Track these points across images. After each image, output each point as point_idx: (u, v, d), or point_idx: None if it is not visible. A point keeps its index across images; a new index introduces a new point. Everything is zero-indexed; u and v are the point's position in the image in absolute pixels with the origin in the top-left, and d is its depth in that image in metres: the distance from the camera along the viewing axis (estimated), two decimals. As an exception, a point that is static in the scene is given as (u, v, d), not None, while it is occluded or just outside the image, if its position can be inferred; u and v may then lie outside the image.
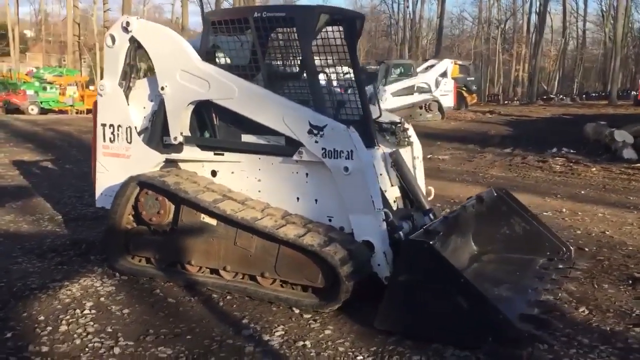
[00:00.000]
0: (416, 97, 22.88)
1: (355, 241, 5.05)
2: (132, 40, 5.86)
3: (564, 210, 8.63)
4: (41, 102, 31.50)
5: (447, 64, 24.66)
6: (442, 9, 53.24)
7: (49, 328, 4.49)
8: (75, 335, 4.39)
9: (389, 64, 23.80)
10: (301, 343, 4.35)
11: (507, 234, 6.24)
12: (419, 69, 25.22)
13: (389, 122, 6.25)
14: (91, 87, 36.80)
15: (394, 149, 5.97)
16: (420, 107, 23.06)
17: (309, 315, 4.83)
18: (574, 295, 5.31)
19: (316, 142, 5.09)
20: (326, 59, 6.16)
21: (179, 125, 5.69)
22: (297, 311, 4.91)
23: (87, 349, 4.20)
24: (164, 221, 5.56)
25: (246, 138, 5.61)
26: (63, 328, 4.50)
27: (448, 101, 24.16)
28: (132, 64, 6.00)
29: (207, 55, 5.79)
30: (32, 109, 30.88)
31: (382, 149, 5.97)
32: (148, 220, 5.59)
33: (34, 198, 8.99)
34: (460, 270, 5.68)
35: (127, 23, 5.82)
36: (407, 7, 60.48)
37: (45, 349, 4.18)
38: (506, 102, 43.43)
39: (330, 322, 4.73)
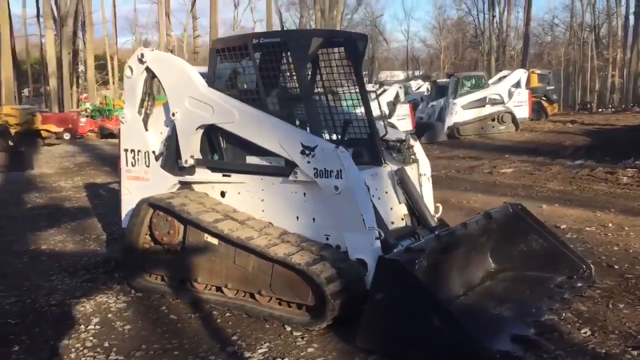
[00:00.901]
0: (488, 109, 22.26)
1: (347, 259, 5.10)
2: (147, 70, 6.21)
3: (610, 225, 8.18)
4: (133, 127, 33.19)
5: (520, 74, 23.84)
6: (528, 17, 51.52)
7: (52, 342, 4.83)
8: (72, 350, 4.70)
9: (459, 76, 23.25)
10: (280, 360, 4.45)
11: (524, 251, 6.05)
12: (491, 81, 24.59)
13: (395, 139, 6.25)
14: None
15: (399, 167, 5.98)
16: (493, 119, 22.41)
17: (298, 333, 4.90)
18: (582, 315, 5.07)
19: (308, 162, 5.20)
20: (334, 80, 6.29)
21: (189, 148, 5.97)
22: (288, 329, 5.00)
23: (78, 362, 4.51)
24: (174, 240, 5.83)
25: (250, 160, 5.80)
26: (64, 342, 4.82)
27: (522, 112, 23.29)
28: (149, 92, 6.36)
29: (217, 81, 6.06)
30: (124, 133, 32.66)
31: (389, 167, 6.00)
32: (160, 239, 5.89)
33: (89, 218, 9.60)
34: (471, 286, 5.66)
35: (142, 54, 6.19)
36: (494, 16, 58.94)
37: (41, 361, 4.53)
38: (600, 109, 41.19)
39: (317, 339, 4.78)
